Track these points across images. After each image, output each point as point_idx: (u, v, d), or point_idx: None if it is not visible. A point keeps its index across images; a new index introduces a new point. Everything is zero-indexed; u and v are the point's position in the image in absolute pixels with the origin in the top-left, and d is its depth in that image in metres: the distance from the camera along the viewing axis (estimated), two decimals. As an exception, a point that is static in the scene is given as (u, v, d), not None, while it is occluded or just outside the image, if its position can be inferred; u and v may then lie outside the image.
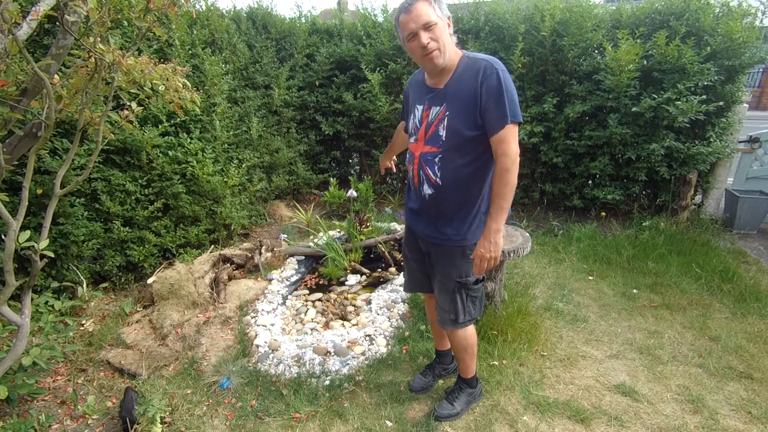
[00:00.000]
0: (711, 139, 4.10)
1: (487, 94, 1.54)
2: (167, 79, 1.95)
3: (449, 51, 1.60)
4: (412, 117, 1.82)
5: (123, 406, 2.05)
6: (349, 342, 2.56)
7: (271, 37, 5.10)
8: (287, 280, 3.37)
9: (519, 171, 1.68)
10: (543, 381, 2.32)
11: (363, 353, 2.49)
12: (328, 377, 2.32)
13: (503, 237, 2.53)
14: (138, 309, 3.01)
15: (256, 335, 2.65)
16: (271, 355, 2.46)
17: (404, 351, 2.53)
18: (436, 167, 1.70)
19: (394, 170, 2.44)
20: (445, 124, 1.65)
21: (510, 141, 1.55)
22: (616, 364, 2.48)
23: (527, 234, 2.55)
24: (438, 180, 1.70)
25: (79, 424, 2.10)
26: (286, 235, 4.15)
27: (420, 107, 1.75)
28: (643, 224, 4.25)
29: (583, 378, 2.36)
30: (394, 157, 2.36)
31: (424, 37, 1.53)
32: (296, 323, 2.88)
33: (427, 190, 1.75)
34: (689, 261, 3.61)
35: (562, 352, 2.56)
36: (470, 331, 1.95)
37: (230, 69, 4.35)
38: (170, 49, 3.61)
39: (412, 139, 1.82)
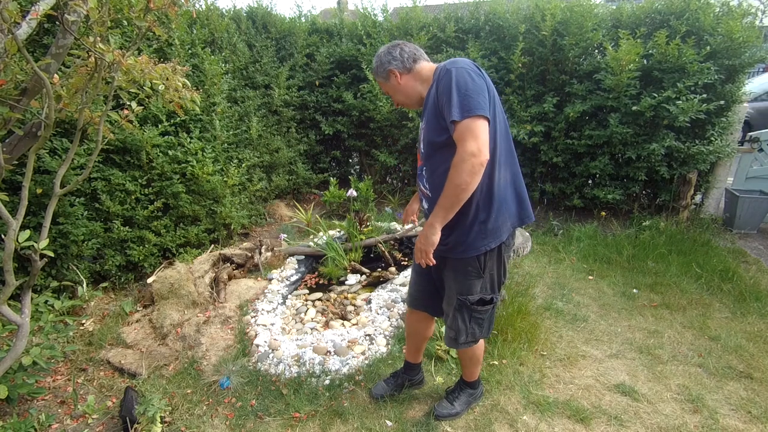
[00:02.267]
0: (712, 139, 4.10)
1: (440, 94, 1.51)
2: (167, 79, 1.95)
3: (410, 92, 1.70)
4: None
5: (123, 405, 2.05)
6: (349, 341, 2.56)
7: (271, 37, 5.10)
8: (287, 279, 3.37)
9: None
10: (543, 380, 2.32)
11: (363, 353, 2.50)
12: (328, 377, 2.32)
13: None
14: (138, 308, 3.01)
15: (256, 335, 2.65)
16: (271, 355, 2.46)
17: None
18: (425, 180, 1.71)
19: (416, 223, 2.34)
20: (422, 136, 1.67)
21: (465, 138, 1.42)
22: (615, 363, 2.48)
23: (527, 234, 2.55)
24: (428, 192, 1.70)
25: (79, 424, 2.09)
26: (286, 235, 4.15)
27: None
28: (643, 224, 4.25)
29: (582, 377, 2.36)
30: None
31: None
32: (296, 323, 2.88)
33: (425, 205, 1.76)
34: (689, 261, 3.61)
35: (562, 351, 2.56)
36: (479, 343, 1.92)
37: (230, 68, 4.35)
38: (170, 48, 3.61)
39: None
